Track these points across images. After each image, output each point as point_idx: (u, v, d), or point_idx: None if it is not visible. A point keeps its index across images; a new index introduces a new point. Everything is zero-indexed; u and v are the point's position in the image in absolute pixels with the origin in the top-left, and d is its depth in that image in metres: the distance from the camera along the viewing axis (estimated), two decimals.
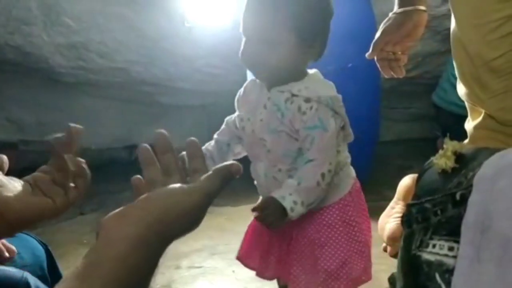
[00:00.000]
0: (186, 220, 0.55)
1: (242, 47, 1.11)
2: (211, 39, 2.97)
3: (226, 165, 0.57)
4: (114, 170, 3.19)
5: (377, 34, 1.24)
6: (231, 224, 2.44)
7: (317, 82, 1.14)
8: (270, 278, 1.27)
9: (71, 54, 2.92)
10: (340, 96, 1.15)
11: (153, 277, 0.54)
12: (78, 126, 0.76)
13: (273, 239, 1.22)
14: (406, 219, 0.73)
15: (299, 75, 1.13)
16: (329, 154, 1.08)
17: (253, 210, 1.06)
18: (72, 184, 0.76)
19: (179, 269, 1.94)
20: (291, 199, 1.02)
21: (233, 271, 1.93)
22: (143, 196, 0.55)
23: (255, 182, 1.24)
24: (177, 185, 0.56)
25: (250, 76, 2.74)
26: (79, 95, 3.20)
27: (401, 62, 1.26)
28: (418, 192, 0.75)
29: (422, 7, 1.22)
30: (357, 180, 1.24)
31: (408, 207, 0.74)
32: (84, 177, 0.78)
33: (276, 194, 1.04)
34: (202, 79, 3.21)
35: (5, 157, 0.77)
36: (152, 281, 0.54)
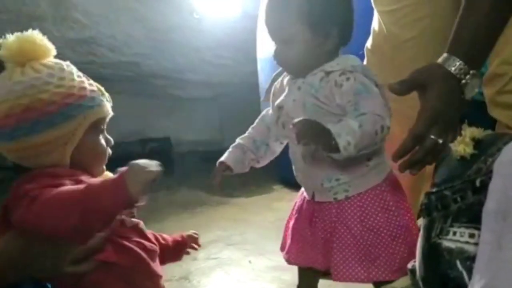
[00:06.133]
0: None
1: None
2: (220, 30, 2.97)
3: None
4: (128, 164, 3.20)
5: None
6: (245, 215, 2.45)
7: (348, 57, 1.14)
8: (323, 267, 1.24)
9: (82, 49, 2.93)
10: (371, 70, 1.14)
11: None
12: None
13: (316, 234, 1.20)
14: (426, 207, 0.72)
15: (329, 57, 1.13)
16: (387, 113, 1.05)
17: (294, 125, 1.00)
18: None
19: (196, 261, 1.95)
20: (347, 138, 0.99)
21: (250, 262, 1.94)
22: None
23: (294, 171, 1.21)
24: None
25: (261, 67, 2.75)
26: None
27: None
28: (437, 180, 0.74)
29: None
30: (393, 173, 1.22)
31: (427, 195, 0.73)
32: None
33: (333, 129, 1.00)
34: (213, 71, 3.21)
35: None
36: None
